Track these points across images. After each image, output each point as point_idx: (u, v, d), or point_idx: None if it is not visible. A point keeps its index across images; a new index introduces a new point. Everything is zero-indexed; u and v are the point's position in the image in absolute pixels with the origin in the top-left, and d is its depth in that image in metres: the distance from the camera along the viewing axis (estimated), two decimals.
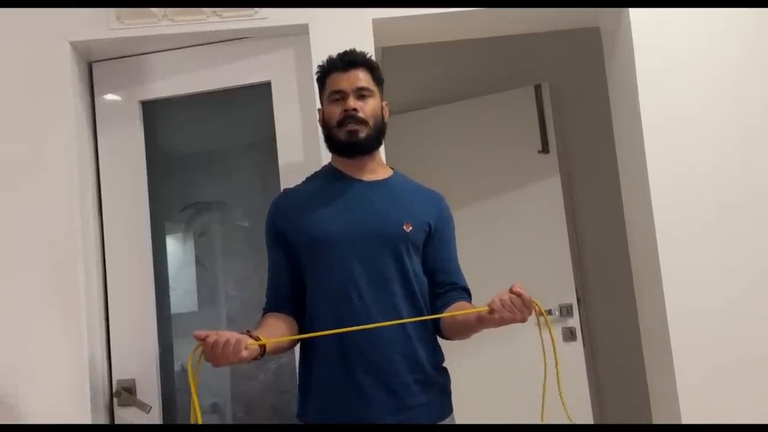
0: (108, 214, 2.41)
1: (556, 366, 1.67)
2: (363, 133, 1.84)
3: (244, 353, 1.59)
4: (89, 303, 2.26)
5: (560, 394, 1.65)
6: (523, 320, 1.65)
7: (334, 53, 1.92)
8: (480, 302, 1.74)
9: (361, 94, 1.86)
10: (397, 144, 2.54)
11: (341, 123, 1.85)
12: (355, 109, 1.83)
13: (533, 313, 1.65)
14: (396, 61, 2.84)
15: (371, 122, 1.86)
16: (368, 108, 1.86)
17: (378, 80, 1.91)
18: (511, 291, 1.63)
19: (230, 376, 2.47)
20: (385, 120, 1.92)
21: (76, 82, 2.34)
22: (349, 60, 1.87)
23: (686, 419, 2.18)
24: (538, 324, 1.67)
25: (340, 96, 1.86)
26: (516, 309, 1.62)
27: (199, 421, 1.59)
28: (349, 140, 1.85)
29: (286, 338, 1.78)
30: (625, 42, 2.37)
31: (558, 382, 1.66)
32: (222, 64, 2.41)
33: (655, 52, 2.31)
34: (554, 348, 1.68)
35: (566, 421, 1.75)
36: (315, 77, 1.99)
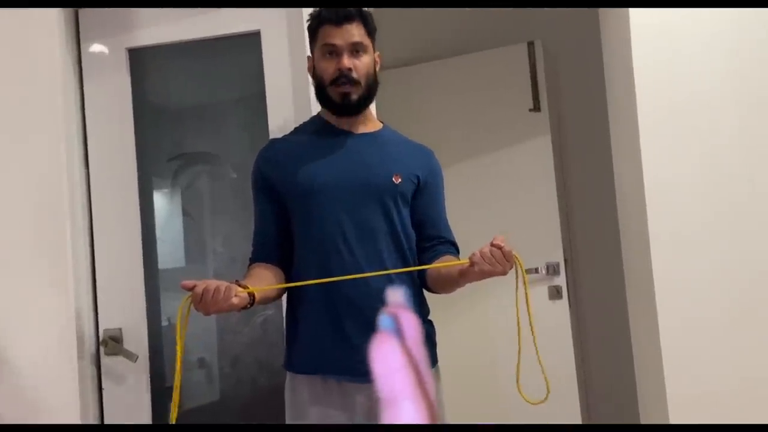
0: (94, 164, 2.38)
1: (530, 321, 1.67)
2: (356, 95, 1.84)
3: (235, 300, 1.60)
4: (76, 252, 2.25)
5: (536, 351, 1.66)
6: (503, 273, 1.66)
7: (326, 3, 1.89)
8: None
9: (356, 50, 1.83)
10: (387, 100, 2.51)
11: (334, 81, 1.83)
12: (349, 69, 1.81)
13: (514, 266, 1.66)
14: (388, 15, 2.80)
15: (364, 81, 1.85)
16: (362, 66, 1.84)
17: (371, 32, 1.88)
18: (491, 244, 1.64)
19: (216, 331, 2.47)
20: (377, 73, 1.91)
21: (62, 28, 2.29)
22: (344, 14, 1.83)
23: (669, 379, 2.20)
24: (516, 278, 1.67)
25: (334, 50, 1.83)
26: (496, 261, 1.63)
27: (179, 367, 1.60)
28: (342, 102, 1.84)
29: (275, 286, 1.79)
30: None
31: (533, 336, 1.67)
32: (211, 12, 2.36)
33: (651, 10, 2.28)
34: (528, 303, 1.68)
35: (545, 378, 1.76)
36: (306, 27, 1.95)
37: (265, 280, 1.79)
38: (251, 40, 2.36)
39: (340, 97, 1.83)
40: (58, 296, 2.17)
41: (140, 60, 2.43)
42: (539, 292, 3.29)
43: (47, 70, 2.22)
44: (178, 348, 1.61)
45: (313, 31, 1.90)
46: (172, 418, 1.64)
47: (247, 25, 2.36)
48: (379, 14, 2.61)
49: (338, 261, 1.77)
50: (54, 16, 2.24)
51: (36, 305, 2.17)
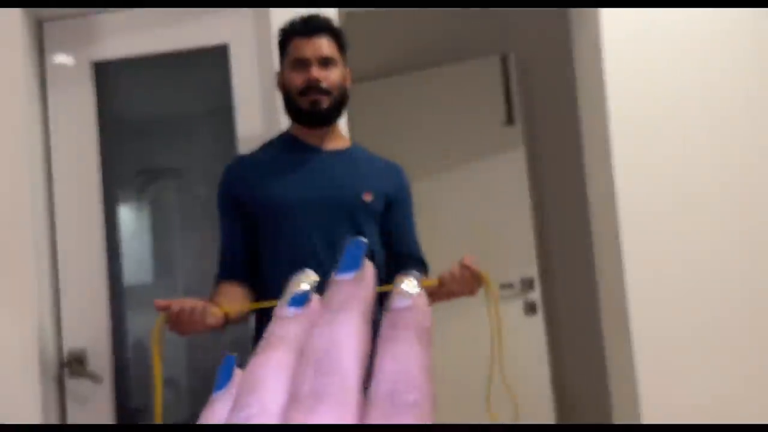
0: (58, 178, 2.33)
1: (500, 339, 1.65)
2: (325, 104, 1.80)
3: (211, 320, 1.57)
4: (38, 269, 2.19)
5: (502, 372, 1.63)
6: (472, 293, 1.65)
7: (295, 16, 1.86)
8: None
9: (325, 62, 1.81)
10: (360, 113, 2.49)
11: (303, 92, 1.80)
12: (318, 80, 1.78)
13: (483, 286, 1.64)
14: (360, 27, 2.77)
15: (334, 92, 1.81)
16: (332, 78, 1.81)
17: (342, 48, 1.85)
18: (461, 264, 1.63)
19: (185, 349, 2.42)
20: (347, 88, 1.87)
21: (26, 41, 2.24)
22: (313, 26, 1.81)
23: (643, 393, 2.19)
24: (486, 297, 1.65)
25: (303, 63, 1.80)
26: (464, 282, 1.62)
27: (160, 390, 1.56)
28: (311, 110, 1.81)
29: (250, 306, 1.75)
30: (592, 12, 2.34)
31: (501, 357, 1.64)
32: (178, 25, 2.33)
33: (621, 23, 2.28)
34: (498, 323, 1.65)
35: (515, 401, 1.73)
36: (275, 40, 1.92)
37: (235, 298, 1.75)
38: (219, 53, 2.32)
39: (309, 104, 1.80)
40: (19, 315, 2.11)
41: (105, 73, 2.38)
42: (514, 308, 3.27)
43: (9, 83, 2.17)
44: (156, 373, 1.56)
45: (283, 44, 1.87)
46: None
47: (214, 38, 2.32)
48: (350, 26, 2.59)
49: None
50: (17, 27, 2.19)
51: None
